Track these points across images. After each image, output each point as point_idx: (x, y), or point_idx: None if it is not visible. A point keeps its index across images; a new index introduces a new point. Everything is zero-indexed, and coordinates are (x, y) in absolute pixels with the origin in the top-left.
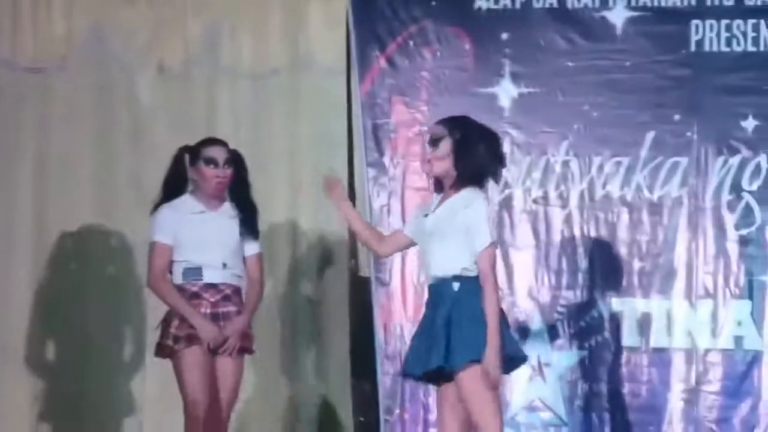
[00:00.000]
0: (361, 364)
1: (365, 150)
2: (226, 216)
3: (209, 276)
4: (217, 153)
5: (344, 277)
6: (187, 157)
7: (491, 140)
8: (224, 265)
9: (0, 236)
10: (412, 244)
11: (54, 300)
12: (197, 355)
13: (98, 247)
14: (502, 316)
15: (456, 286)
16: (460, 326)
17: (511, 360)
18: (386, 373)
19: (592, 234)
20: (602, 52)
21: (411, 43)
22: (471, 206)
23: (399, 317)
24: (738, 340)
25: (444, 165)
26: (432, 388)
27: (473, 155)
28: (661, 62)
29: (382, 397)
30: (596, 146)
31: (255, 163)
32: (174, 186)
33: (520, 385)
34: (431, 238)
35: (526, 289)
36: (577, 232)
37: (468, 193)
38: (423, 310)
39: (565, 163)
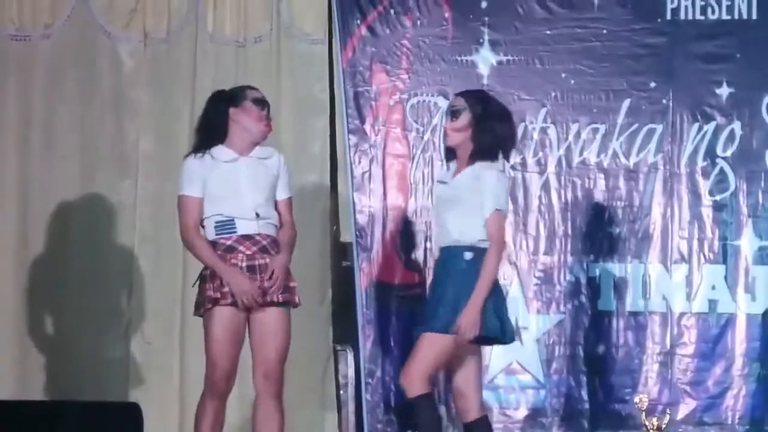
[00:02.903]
0: (343, 328)
1: (346, 117)
2: (259, 160)
3: (243, 227)
4: (263, 96)
5: (326, 242)
6: (223, 102)
7: (507, 118)
8: (257, 215)
9: None
10: None
11: (47, 271)
12: (227, 316)
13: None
14: (500, 294)
15: (468, 255)
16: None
17: (490, 339)
18: (368, 336)
19: (570, 200)
20: (580, 20)
21: (392, 11)
22: (483, 176)
23: (380, 282)
24: (712, 303)
25: (460, 136)
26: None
27: (491, 130)
28: (637, 30)
29: (363, 360)
30: (573, 113)
31: None
32: (210, 131)
33: (498, 348)
34: (447, 205)
35: (504, 254)
36: (554, 198)
37: (483, 165)
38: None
39: (543, 130)
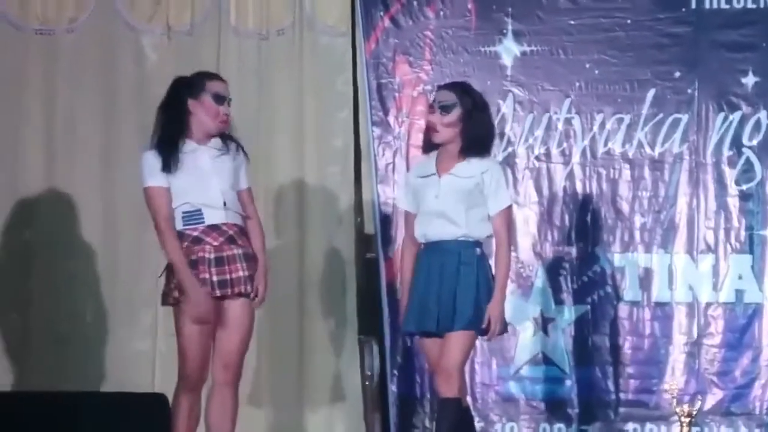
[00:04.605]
0: (368, 320)
1: (370, 109)
2: (216, 150)
3: (210, 217)
4: (224, 90)
5: (350, 234)
6: (181, 93)
7: (488, 109)
8: (225, 204)
9: (7, 195)
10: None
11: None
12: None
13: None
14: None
15: (478, 251)
16: (487, 291)
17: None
18: (393, 327)
19: (595, 190)
20: (604, 10)
21: (414, 2)
22: (489, 171)
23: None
24: (739, 293)
25: (452, 132)
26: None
27: (480, 124)
28: (662, 19)
29: (389, 351)
30: (598, 103)
31: (261, 123)
32: (172, 124)
33: (524, 339)
34: (448, 200)
35: (529, 245)
36: (579, 189)
37: (483, 160)
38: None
39: (568, 121)
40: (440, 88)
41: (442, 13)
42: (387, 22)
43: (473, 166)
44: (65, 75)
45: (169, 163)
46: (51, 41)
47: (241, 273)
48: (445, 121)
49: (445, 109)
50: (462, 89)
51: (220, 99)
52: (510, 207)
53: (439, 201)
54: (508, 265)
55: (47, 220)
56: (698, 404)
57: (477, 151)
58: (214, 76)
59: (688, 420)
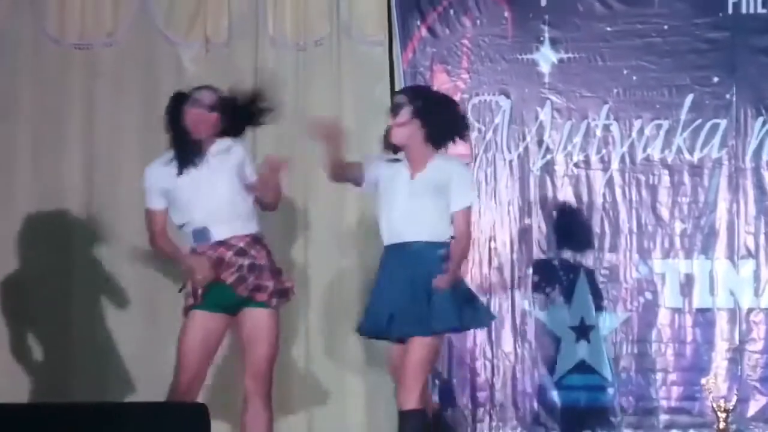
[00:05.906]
0: None
1: None
2: (219, 156)
3: (219, 233)
4: (207, 97)
5: None
6: (176, 106)
7: (450, 105)
8: (228, 218)
9: (50, 208)
10: (358, 183)
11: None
12: (198, 320)
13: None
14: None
15: (441, 252)
16: (445, 296)
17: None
18: None
19: (634, 197)
20: (640, 16)
21: (451, 11)
22: (453, 171)
23: None
24: None
25: (404, 131)
26: (469, 350)
27: (436, 119)
28: (698, 25)
29: None
30: (636, 110)
31: (299, 133)
32: (173, 139)
33: (565, 347)
34: (415, 199)
35: (569, 252)
36: (618, 195)
37: (448, 160)
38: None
39: (606, 127)
40: (396, 92)
41: (478, 21)
42: (424, 32)
43: (438, 166)
44: (105, 89)
45: (181, 170)
46: (90, 55)
47: (251, 281)
48: (398, 121)
49: (395, 109)
50: (414, 91)
51: (197, 103)
52: (471, 206)
53: (410, 204)
54: (461, 257)
55: (88, 233)
56: (735, 399)
57: (438, 143)
58: (203, 87)
59: (724, 415)
